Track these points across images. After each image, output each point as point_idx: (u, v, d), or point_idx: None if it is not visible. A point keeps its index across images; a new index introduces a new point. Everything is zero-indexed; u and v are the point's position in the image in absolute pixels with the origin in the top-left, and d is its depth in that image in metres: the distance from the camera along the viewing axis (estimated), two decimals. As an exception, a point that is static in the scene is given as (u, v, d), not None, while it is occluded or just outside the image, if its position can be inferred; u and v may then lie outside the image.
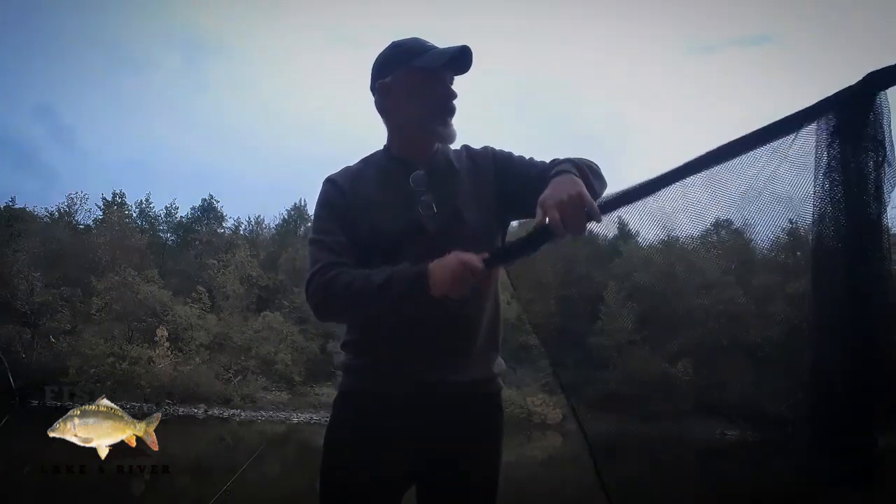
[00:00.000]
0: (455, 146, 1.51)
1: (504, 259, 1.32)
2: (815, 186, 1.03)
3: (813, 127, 1.03)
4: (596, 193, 1.28)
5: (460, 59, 1.39)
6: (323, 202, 1.45)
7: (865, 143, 0.98)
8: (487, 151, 1.51)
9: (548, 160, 1.45)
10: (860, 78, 0.98)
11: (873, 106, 0.97)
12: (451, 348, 1.37)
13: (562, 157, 1.40)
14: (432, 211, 1.39)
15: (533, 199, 1.24)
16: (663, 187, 1.15)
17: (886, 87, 0.97)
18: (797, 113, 1.04)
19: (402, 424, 1.36)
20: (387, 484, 1.37)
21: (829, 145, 1.01)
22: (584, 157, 1.37)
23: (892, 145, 0.97)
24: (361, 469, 1.35)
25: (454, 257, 1.23)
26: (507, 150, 1.52)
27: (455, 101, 1.44)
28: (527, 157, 1.50)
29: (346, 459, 1.38)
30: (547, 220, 1.17)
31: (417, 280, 1.24)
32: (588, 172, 1.30)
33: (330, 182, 1.46)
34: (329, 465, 1.40)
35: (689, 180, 1.14)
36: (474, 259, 1.23)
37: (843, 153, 0.99)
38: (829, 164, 1.00)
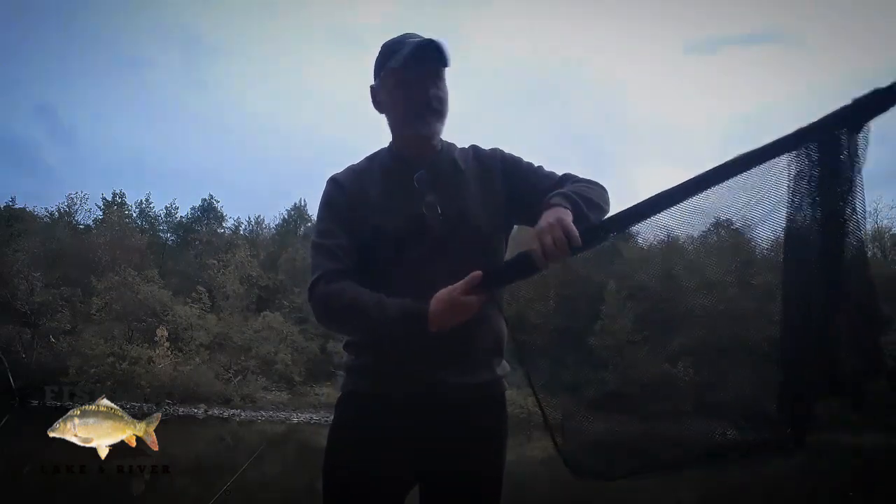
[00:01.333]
0: (463, 145, 1.49)
1: (496, 283, 1.29)
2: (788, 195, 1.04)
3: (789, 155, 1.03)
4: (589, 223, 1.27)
5: (427, 54, 1.34)
6: (325, 202, 1.44)
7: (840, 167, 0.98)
8: (496, 154, 1.49)
9: (548, 160, 1.45)
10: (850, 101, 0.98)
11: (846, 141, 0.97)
12: (452, 350, 1.36)
13: (570, 172, 1.41)
14: (436, 211, 1.37)
15: (536, 209, 1.25)
16: (648, 217, 1.15)
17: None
18: (778, 140, 1.03)
19: (403, 425, 1.35)
20: (389, 484, 1.36)
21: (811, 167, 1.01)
22: (588, 166, 1.38)
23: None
24: (364, 469, 1.35)
25: (448, 298, 1.23)
26: (516, 154, 1.50)
27: (436, 97, 1.38)
28: (535, 164, 1.48)
29: (349, 459, 1.37)
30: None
31: (416, 321, 1.26)
32: (581, 204, 1.26)
33: (332, 181, 1.45)
34: (332, 464, 1.39)
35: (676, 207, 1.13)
36: (470, 284, 1.23)
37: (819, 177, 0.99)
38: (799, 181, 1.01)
